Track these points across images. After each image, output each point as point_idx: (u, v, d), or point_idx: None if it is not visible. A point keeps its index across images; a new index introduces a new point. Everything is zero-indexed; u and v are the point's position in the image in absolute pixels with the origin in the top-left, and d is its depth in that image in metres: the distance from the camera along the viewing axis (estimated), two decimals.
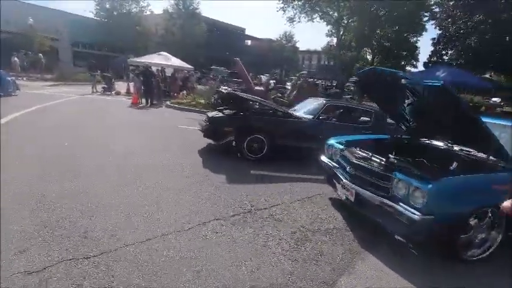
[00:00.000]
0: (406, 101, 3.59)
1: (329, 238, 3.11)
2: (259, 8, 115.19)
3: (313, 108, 6.12)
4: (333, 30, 26.14)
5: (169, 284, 2.21)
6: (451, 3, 20.89)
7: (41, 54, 21.47)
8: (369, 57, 29.56)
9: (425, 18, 22.88)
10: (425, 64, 23.99)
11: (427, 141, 4.05)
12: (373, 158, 3.38)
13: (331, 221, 3.51)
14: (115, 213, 3.13)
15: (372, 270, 2.63)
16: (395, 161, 3.16)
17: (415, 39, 24.89)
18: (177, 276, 2.28)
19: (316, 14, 23.14)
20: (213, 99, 11.78)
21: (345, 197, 3.56)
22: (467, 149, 3.47)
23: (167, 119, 10.30)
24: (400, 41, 23.58)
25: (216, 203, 3.65)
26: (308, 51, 54.67)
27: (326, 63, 42.19)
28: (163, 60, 18.10)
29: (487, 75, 23.46)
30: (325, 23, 25.05)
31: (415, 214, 2.63)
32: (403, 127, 4.29)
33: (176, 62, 19.25)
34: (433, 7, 22.27)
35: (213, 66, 29.19)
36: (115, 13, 32.03)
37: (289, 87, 16.38)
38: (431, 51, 23.71)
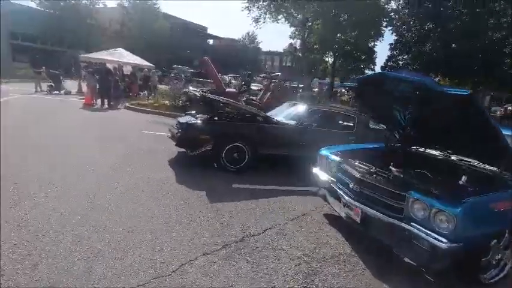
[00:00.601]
0: (409, 108, 3.32)
1: (338, 269, 2.69)
2: (221, 6, 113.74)
3: (295, 113, 5.73)
4: (297, 32, 26.31)
5: None
6: (406, 11, 22.15)
7: None
8: (331, 59, 30.30)
9: (384, 24, 23.94)
10: (382, 68, 25.24)
11: (421, 150, 3.86)
12: (378, 173, 3.03)
13: (335, 245, 3.10)
14: (64, 262, 2.38)
15: None
16: (407, 177, 2.84)
17: (373, 43, 26.01)
18: None
19: (281, 15, 23.06)
20: (180, 102, 11.00)
21: (345, 215, 3.17)
22: (467, 160, 3.30)
23: (128, 122, 9.26)
24: (359, 45, 24.44)
25: (200, 231, 3.03)
26: (270, 52, 54.96)
27: (289, 65, 42.64)
28: (121, 58, 16.60)
29: (436, 79, 25.33)
30: (289, 24, 25.13)
31: (441, 242, 2.29)
32: (396, 135, 4.05)
33: (135, 59, 17.81)
34: (391, 14, 23.39)
35: (174, 65, 27.88)
36: (61, 3, 29.00)
37: (255, 89, 15.96)
38: (388, 56, 24.96)
